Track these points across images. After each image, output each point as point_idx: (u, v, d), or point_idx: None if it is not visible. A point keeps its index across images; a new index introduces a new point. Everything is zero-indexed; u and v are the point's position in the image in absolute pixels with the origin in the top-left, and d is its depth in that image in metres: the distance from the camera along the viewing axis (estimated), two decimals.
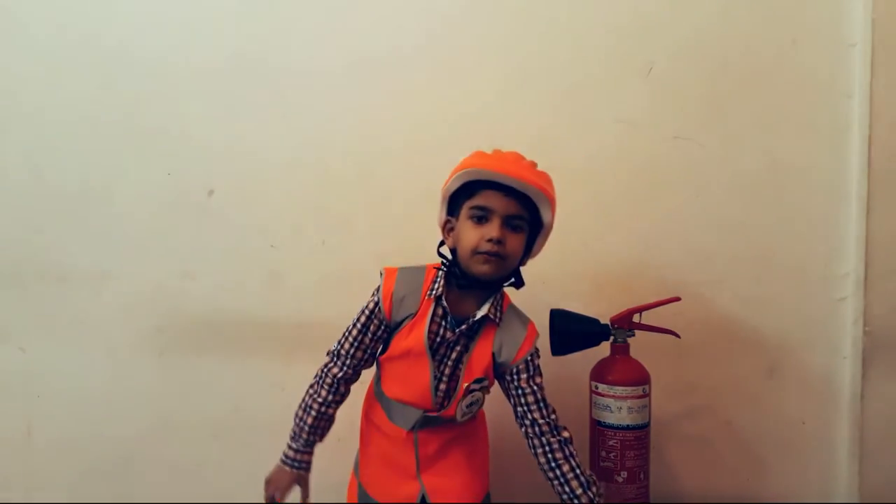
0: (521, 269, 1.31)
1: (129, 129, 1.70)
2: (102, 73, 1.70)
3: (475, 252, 1.20)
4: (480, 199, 1.21)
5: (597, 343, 1.45)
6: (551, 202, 1.23)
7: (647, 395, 1.39)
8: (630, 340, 1.43)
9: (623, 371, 1.39)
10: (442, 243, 1.29)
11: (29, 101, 1.71)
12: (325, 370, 1.34)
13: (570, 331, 1.43)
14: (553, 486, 1.27)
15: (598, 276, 1.67)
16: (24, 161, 1.71)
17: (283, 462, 1.33)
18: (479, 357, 1.26)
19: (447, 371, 1.27)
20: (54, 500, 1.72)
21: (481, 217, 1.21)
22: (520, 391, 1.28)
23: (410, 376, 1.27)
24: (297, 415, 1.34)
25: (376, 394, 1.36)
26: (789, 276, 1.66)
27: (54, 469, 1.73)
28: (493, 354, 1.27)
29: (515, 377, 1.28)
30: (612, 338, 1.44)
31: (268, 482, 1.34)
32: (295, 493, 1.36)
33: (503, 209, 1.20)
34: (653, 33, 1.65)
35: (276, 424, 1.69)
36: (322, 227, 1.68)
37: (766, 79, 1.65)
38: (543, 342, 1.43)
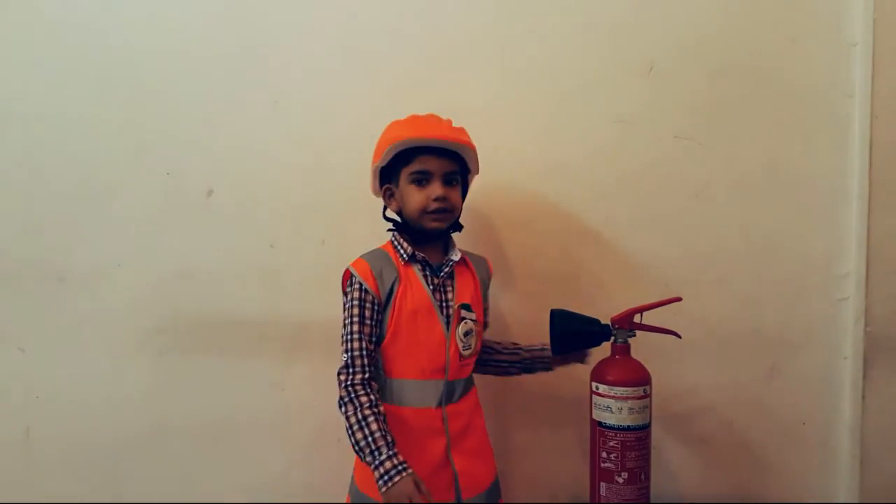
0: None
1: (128, 130, 1.69)
2: (102, 73, 1.69)
3: (424, 212, 1.34)
4: (418, 165, 1.34)
5: (597, 343, 1.44)
6: (474, 151, 1.38)
7: (647, 395, 1.39)
8: (631, 341, 1.43)
9: (624, 371, 1.39)
10: (385, 209, 1.43)
11: (28, 101, 1.70)
12: (350, 385, 1.29)
13: (571, 331, 1.43)
14: (522, 361, 1.51)
15: (599, 275, 1.66)
16: (23, 161, 1.70)
17: (389, 478, 1.21)
18: (464, 287, 1.40)
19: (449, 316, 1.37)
20: (53, 501, 1.72)
21: (421, 180, 1.34)
22: (487, 303, 1.50)
23: (422, 337, 1.34)
24: (356, 441, 1.25)
25: (382, 391, 1.34)
26: (790, 277, 1.66)
27: (53, 469, 1.73)
28: (479, 281, 1.44)
29: (487, 292, 1.50)
30: (612, 338, 1.43)
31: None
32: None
33: (440, 169, 1.34)
34: (653, 33, 1.65)
35: (275, 424, 1.70)
36: (322, 227, 1.68)
37: (767, 78, 1.64)
38: (544, 341, 1.44)
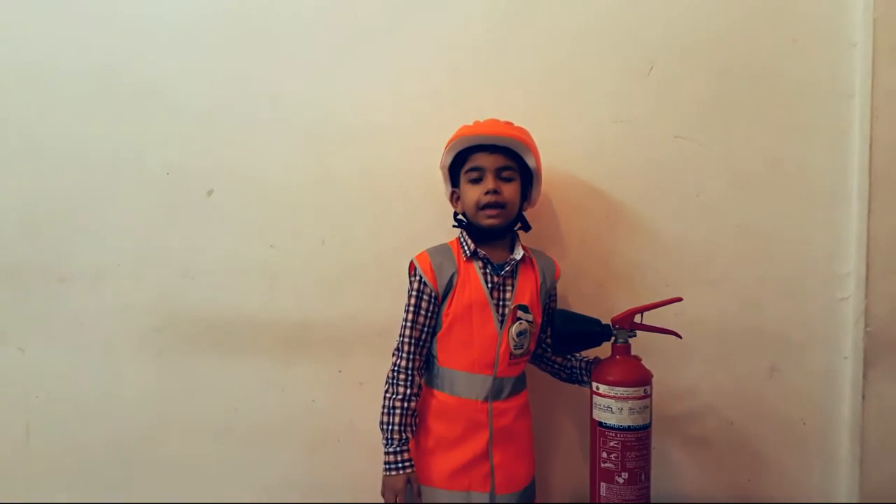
0: (525, 214, 1.50)
1: (128, 129, 1.69)
2: (102, 73, 1.69)
3: (479, 207, 1.39)
4: (471, 162, 1.41)
5: (598, 343, 1.44)
6: (531, 148, 1.41)
7: (648, 395, 1.39)
8: (631, 341, 1.43)
9: (624, 372, 1.39)
10: (456, 215, 1.48)
11: (28, 101, 1.70)
12: (395, 368, 1.41)
13: (572, 331, 1.43)
14: (570, 369, 1.52)
15: (599, 276, 1.66)
16: (23, 161, 1.70)
17: (389, 469, 1.37)
18: (524, 288, 1.43)
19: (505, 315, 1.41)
20: (53, 500, 1.72)
21: (477, 178, 1.40)
22: (551, 309, 1.51)
23: (475, 332, 1.39)
24: (382, 422, 1.39)
25: (434, 377, 1.43)
26: (790, 276, 1.66)
27: (53, 469, 1.73)
28: (540, 283, 1.45)
29: (553, 297, 1.52)
30: (613, 338, 1.43)
31: (384, 494, 1.38)
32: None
33: (492, 164, 1.39)
34: (653, 33, 1.65)
35: (275, 424, 1.70)
36: (322, 227, 1.68)
37: (767, 78, 1.64)
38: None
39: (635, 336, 1.43)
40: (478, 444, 1.39)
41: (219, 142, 1.68)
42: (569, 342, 1.44)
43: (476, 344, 1.39)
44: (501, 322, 1.39)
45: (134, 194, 1.70)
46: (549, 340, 1.53)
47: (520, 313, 1.40)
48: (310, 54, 1.67)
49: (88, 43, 1.69)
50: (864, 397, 1.64)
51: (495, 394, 1.40)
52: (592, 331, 1.44)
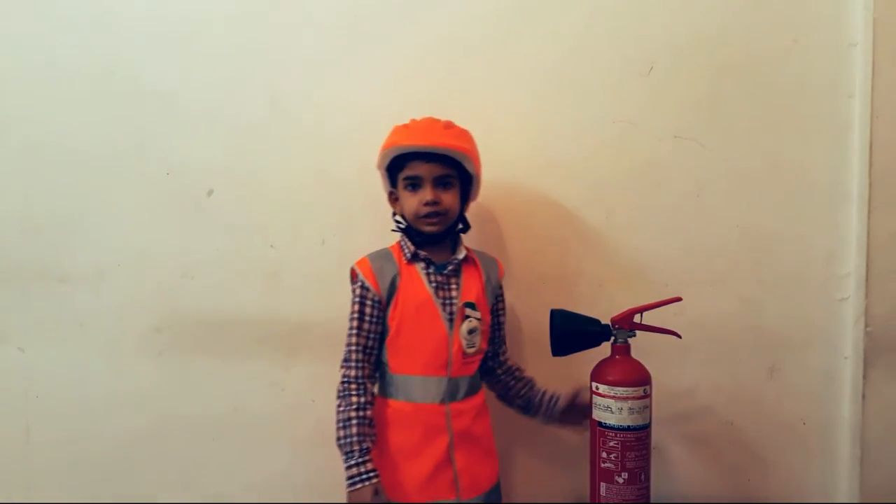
0: (466, 215, 1.49)
1: (127, 129, 1.69)
2: (103, 74, 1.69)
3: (418, 216, 1.37)
4: (409, 171, 1.38)
5: (597, 343, 1.44)
6: (470, 156, 1.38)
7: (647, 395, 1.39)
8: (631, 341, 1.43)
9: (624, 372, 1.39)
10: (394, 215, 1.46)
11: (29, 100, 1.70)
12: (346, 379, 1.38)
13: (571, 331, 1.43)
14: (527, 399, 1.52)
15: (599, 275, 1.66)
16: (23, 161, 1.70)
17: (353, 483, 1.32)
18: (469, 286, 1.42)
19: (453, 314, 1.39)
20: (53, 500, 1.72)
21: (414, 185, 1.38)
22: (502, 311, 1.51)
23: (425, 333, 1.37)
24: (339, 438, 1.35)
25: (388, 386, 1.40)
26: (790, 277, 1.66)
27: (53, 469, 1.73)
28: (485, 282, 1.44)
29: (500, 299, 1.50)
30: (612, 338, 1.43)
31: None
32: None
33: (430, 173, 1.36)
34: (653, 33, 1.65)
35: (275, 424, 1.70)
36: (322, 227, 1.68)
37: (767, 78, 1.64)
38: (544, 341, 1.43)
39: (635, 336, 1.43)
40: (438, 449, 1.35)
41: (219, 142, 1.68)
42: (568, 342, 1.43)
43: (427, 345, 1.36)
44: (451, 321, 1.37)
45: (134, 194, 1.70)
46: (501, 351, 1.53)
47: (468, 311, 1.38)
48: (310, 54, 1.67)
49: (89, 44, 1.69)
50: (864, 397, 1.64)
51: (451, 395, 1.38)
52: (592, 331, 1.43)
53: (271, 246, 1.69)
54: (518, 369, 1.54)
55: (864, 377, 1.64)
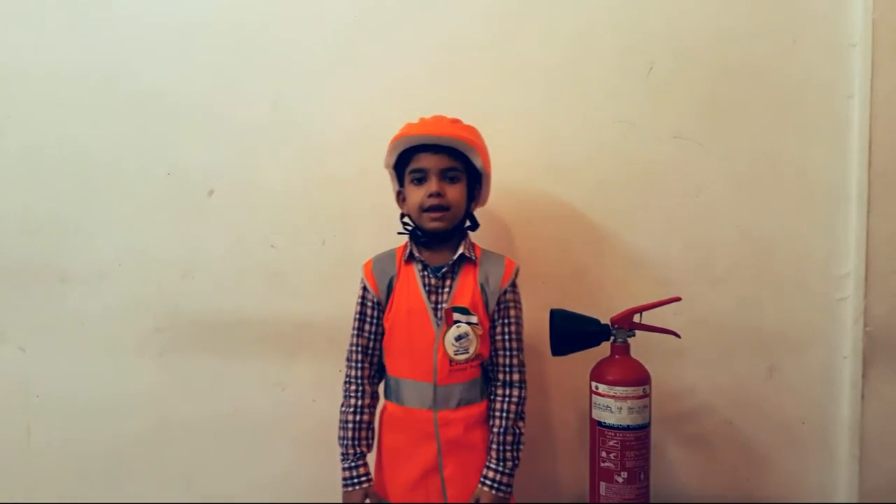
0: (475, 214, 1.45)
1: (128, 130, 1.70)
2: (103, 74, 1.69)
3: (422, 210, 1.33)
4: (415, 163, 1.34)
5: (597, 343, 1.44)
6: (477, 149, 1.34)
7: (647, 395, 1.39)
8: (630, 340, 1.43)
9: (623, 371, 1.39)
10: (402, 216, 1.42)
11: (29, 102, 1.70)
12: (346, 379, 1.39)
13: (570, 331, 1.43)
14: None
15: (599, 275, 1.66)
16: (24, 161, 1.71)
17: (346, 485, 1.35)
18: (463, 288, 1.35)
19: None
20: (53, 500, 1.72)
21: (420, 178, 1.34)
22: (505, 321, 1.36)
23: (414, 336, 1.33)
24: (339, 437, 1.37)
25: (386, 387, 1.40)
26: (790, 276, 1.66)
27: (53, 469, 1.73)
28: (481, 286, 1.35)
29: (504, 306, 1.36)
30: (612, 338, 1.43)
31: None
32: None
33: (436, 165, 1.33)
34: (653, 34, 1.65)
35: (276, 424, 1.70)
36: (322, 227, 1.68)
37: (767, 78, 1.64)
38: (543, 341, 1.43)
39: (634, 336, 1.43)
40: (427, 455, 1.32)
41: (219, 142, 1.69)
42: (568, 342, 1.44)
43: (415, 349, 1.33)
44: (439, 326, 1.33)
45: (135, 194, 1.70)
46: (493, 366, 1.37)
47: (456, 315, 1.32)
48: (310, 55, 1.67)
49: (90, 45, 1.69)
50: (863, 397, 1.64)
51: (441, 402, 1.32)
52: (591, 330, 1.44)
53: (272, 246, 1.69)
54: (495, 410, 1.35)
55: (864, 377, 1.64)
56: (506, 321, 1.37)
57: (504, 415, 1.35)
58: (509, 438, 1.34)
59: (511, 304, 1.38)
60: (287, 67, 1.68)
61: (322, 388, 1.67)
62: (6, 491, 1.73)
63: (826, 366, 1.67)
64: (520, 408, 1.37)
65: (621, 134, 1.65)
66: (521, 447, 1.36)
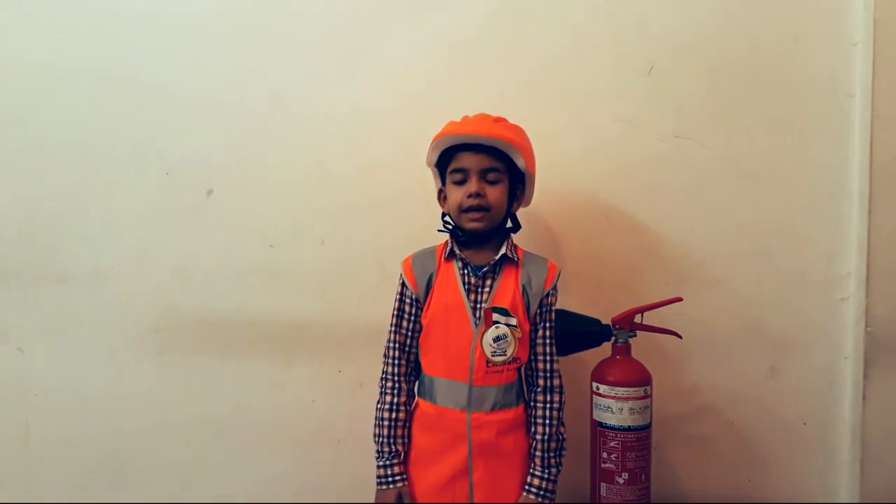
0: (517, 214, 1.43)
1: (127, 129, 1.69)
2: (102, 73, 1.69)
3: (461, 210, 1.31)
4: (456, 162, 1.32)
5: (598, 343, 1.44)
6: (520, 149, 1.31)
7: (648, 395, 1.39)
8: (631, 341, 1.43)
9: (624, 372, 1.39)
10: (444, 215, 1.40)
11: (28, 100, 1.70)
12: (383, 375, 1.38)
13: (571, 331, 1.43)
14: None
15: (599, 276, 1.66)
16: (22, 161, 1.70)
17: (380, 483, 1.33)
18: (504, 289, 1.33)
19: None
20: (52, 500, 1.72)
21: (461, 178, 1.32)
22: (546, 324, 1.35)
23: (451, 335, 1.31)
24: (374, 434, 1.35)
25: (420, 384, 1.38)
26: (791, 276, 1.65)
27: (52, 469, 1.73)
28: (523, 287, 1.33)
29: (546, 310, 1.35)
30: (613, 338, 1.43)
31: None
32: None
33: (476, 165, 1.30)
34: (653, 33, 1.64)
35: (275, 424, 1.70)
36: (322, 227, 1.68)
37: (768, 78, 1.64)
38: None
39: (635, 336, 1.43)
40: (457, 458, 1.30)
41: (218, 142, 1.68)
42: (569, 342, 1.43)
43: (452, 348, 1.31)
44: (478, 326, 1.31)
45: (134, 194, 1.70)
46: (532, 372, 1.37)
47: (495, 316, 1.30)
48: (310, 54, 1.67)
49: (88, 42, 1.69)
50: (864, 397, 1.64)
51: (476, 404, 1.30)
52: (592, 331, 1.44)
53: (271, 246, 1.69)
54: (537, 416, 1.34)
55: (865, 377, 1.64)
56: (547, 324, 1.36)
57: (548, 421, 1.34)
58: (553, 445, 1.34)
59: (553, 308, 1.37)
60: (287, 67, 1.67)
61: (321, 388, 1.67)
62: (6, 491, 1.73)
63: (827, 366, 1.66)
64: (562, 413, 1.36)
65: (621, 133, 1.65)
66: (564, 453, 1.35)
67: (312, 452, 1.69)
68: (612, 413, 1.37)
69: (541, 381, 1.35)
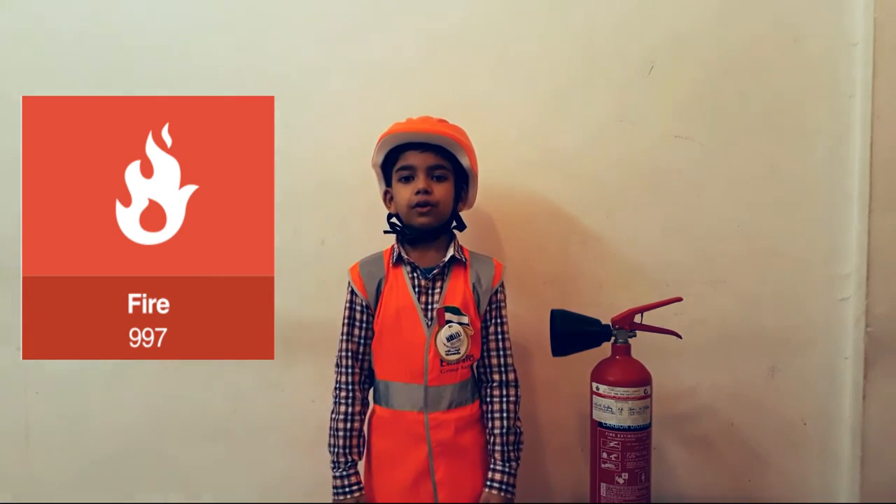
0: (461, 215, 1.45)
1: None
2: (99, 74, 1.69)
3: (410, 207, 1.33)
4: (403, 161, 1.35)
5: (597, 344, 1.44)
6: (465, 148, 1.35)
7: (648, 395, 1.39)
8: (631, 341, 1.43)
9: (624, 372, 1.39)
10: (389, 217, 1.42)
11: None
12: (336, 385, 1.39)
13: (571, 331, 1.43)
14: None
15: (599, 276, 1.66)
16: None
17: (336, 494, 1.35)
18: (454, 290, 1.36)
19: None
20: (52, 500, 1.72)
21: (408, 176, 1.35)
22: (497, 320, 1.39)
23: (404, 338, 1.33)
24: (329, 445, 1.37)
25: (375, 391, 1.39)
26: (791, 276, 1.65)
27: (53, 469, 1.73)
28: (473, 286, 1.36)
29: (495, 306, 1.39)
30: (613, 338, 1.43)
31: None
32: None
33: (423, 162, 1.33)
34: (653, 33, 1.64)
35: (275, 424, 1.70)
36: (322, 227, 1.68)
37: (768, 78, 1.64)
38: (544, 341, 1.43)
39: (635, 336, 1.43)
40: (418, 459, 1.31)
41: None
42: (568, 342, 1.43)
43: (405, 351, 1.33)
44: (430, 327, 1.33)
45: None
46: (484, 368, 1.39)
47: (448, 315, 1.33)
48: (310, 53, 1.67)
49: (87, 45, 1.69)
50: (864, 398, 1.64)
51: (433, 404, 1.32)
52: (592, 331, 1.43)
53: None
54: (494, 411, 1.36)
55: (865, 377, 1.64)
56: (498, 321, 1.40)
57: (506, 415, 1.36)
58: (512, 438, 1.36)
59: (503, 304, 1.41)
60: (286, 67, 1.67)
61: (321, 388, 1.66)
62: (6, 491, 1.72)
63: (827, 366, 1.66)
64: (518, 407, 1.38)
65: (621, 134, 1.65)
66: (522, 446, 1.38)
67: (311, 453, 1.68)
68: (612, 413, 1.37)
69: (496, 377, 1.38)
